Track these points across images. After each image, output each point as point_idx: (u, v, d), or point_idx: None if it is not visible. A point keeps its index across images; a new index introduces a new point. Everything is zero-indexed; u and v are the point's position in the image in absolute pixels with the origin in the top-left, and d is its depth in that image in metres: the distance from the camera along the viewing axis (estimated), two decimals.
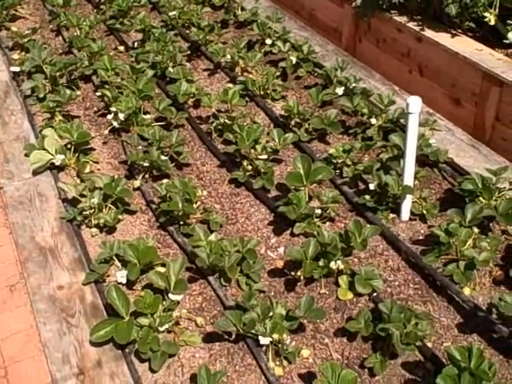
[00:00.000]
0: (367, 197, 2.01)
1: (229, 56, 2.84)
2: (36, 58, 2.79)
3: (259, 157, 2.18)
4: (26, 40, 3.08)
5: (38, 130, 2.46)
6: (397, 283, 1.77)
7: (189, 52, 2.98)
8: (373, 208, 1.99)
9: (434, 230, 1.81)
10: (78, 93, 2.72)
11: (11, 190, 2.18)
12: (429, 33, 2.94)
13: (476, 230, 1.81)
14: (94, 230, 2.01)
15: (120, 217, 2.04)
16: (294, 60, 2.78)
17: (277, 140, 2.27)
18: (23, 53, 3.02)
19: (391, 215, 1.98)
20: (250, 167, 2.17)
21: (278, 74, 2.74)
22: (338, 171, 2.18)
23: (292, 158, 2.26)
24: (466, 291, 1.72)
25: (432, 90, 2.81)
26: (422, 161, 2.15)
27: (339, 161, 2.17)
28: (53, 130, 2.35)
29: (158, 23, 3.27)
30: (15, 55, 3.01)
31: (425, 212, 1.97)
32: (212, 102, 2.49)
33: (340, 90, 2.53)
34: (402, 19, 3.11)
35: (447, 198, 2.06)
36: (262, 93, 2.64)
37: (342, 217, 2.01)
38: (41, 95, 2.65)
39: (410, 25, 3.03)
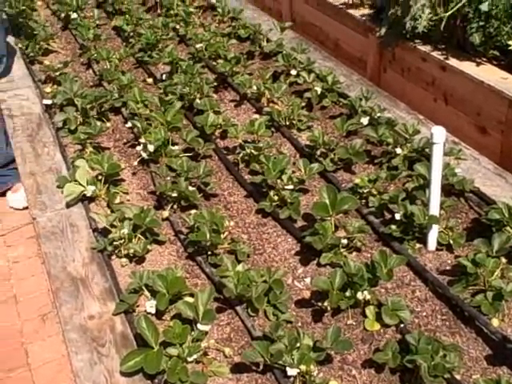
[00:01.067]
0: (393, 227, 2.02)
1: (255, 87, 2.89)
2: (68, 90, 2.87)
3: (285, 187, 2.21)
4: (57, 73, 3.17)
5: (69, 162, 2.53)
6: (424, 314, 1.77)
7: (215, 83, 3.04)
8: (399, 238, 2.00)
9: (460, 260, 1.82)
10: (108, 125, 2.79)
11: (44, 221, 2.23)
12: (453, 62, 2.96)
13: (503, 260, 1.81)
14: (124, 260, 2.05)
15: (149, 247, 2.08)
16: (319, 90, 2.82)
17: (303, 170, 2.30)
18: (55, 86, 3.11)
19: (418, 245, 1.99)
20: (276, 197, 2.20)
21: (303, 104, 2.78)
22: (363, 201, 2.19)
23: (318, 188, 2.27)
24: (495, 322, 1.71)
25: (457, 118, 2.83)
26: (448, 190, 2.16)
27: (365, 190, 2.19)
28: (84, 161, 2.41)
29: (186, 55, 3.34)
30: (47, 88, 3.09)
31: (451, 242, 1.97)
32: (239, 133, 2.53)
33: (365, 120, 2.56)
34: (426, 48, 3.14)
35: (474, 228, 2.06)
36: (287, 123, 2.68)
37: (369, 247, 2.02)
38: (72, 127, 2.72)
39: (434, 54, 3.06)
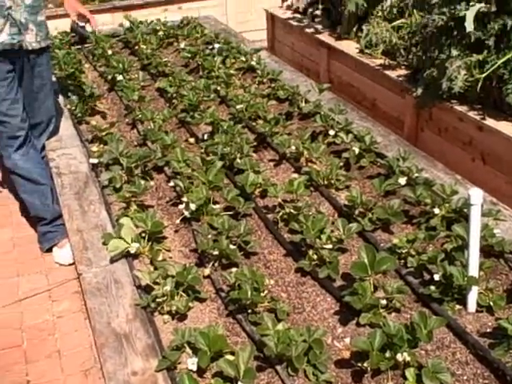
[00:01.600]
0: (432, 287, 2.03)
1: (293, 147, 2.97)
2: (113, 150, 2.99)
3: (324, 246, 2.24)
4: (104, 133, 3.30)
5: (114, 219, 2.61)
6: (465, 377, 1.76)
7: (255, 143, 3.12)
8: (438, 299, 2.00)
9: (501, 322, 1.82)
10: (152, 183, 2.88)
11: (89, 277, 2.30)
12: (490, 121, 3.01)
13: None
14: (166, 316, 2.10)
15: (191, 304, 2.12)
16: (357, 150, 2.88)
17: (341, 230, 2.34)
18: (101, 145, 3.23)
19: (457, 306, 1.99)
20: (315, 256, 2.24)
21: (341, 164, 2.84)
22: (402, 261, 2.21)
23: (356, 248, 2.32)
24: None
25: (495, 178, 2.85)
26: (487, 251, 2.17)
27: (403, 251, 2.21)
28: (129, 219, 2.49)
29: (226, 116, 3.45)
30: (94, 148, 3.21)
31: (491, 304, 1.97)
32: (278, 193, 2.59)
33: (403, 180, 2.60)
34: (463, 109, 3.20)
35: None
36: (326, 183, 2.74)
37: (408, 307, 2.03)
38: (117, 186, 2.82)
39: (471, 114, 3.11)
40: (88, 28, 4.88)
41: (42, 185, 3.16)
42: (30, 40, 2.98)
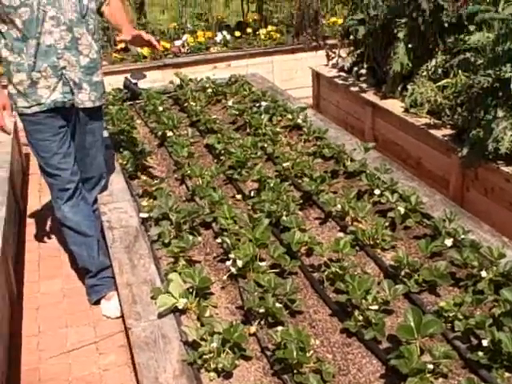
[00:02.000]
0: (480, 353, 2.01)
1: (339, 206, 3.00)
2: (163, 205, 3.08)
3: (370, 307, 2.25)
4: (154, 188, 3.40)
5: (163, 274, 2.68)
6: None
7: (301, 201, 3.17)
8: (487, 365, 1.98)
9: None
10: (200, 239, 2.94)
11: (138, 331, 2.35)
12: None
13: None
14: (212, 374, 2.12)
15: (237, 362, 2.15)
16: (403, 210, 2.89)
17: (387, 291, 2.34)
18: (151, 200, 3.33)
19: (507, 374, 1.96)
20: (361, 317, 2.25)
21: (386, 224, 2.86)
22: (449, 325, 2.20)
23: (402, 310, 2.32)
24: None
25: None
26: None
27: (450, 314, 2.20)
28: (177, 274, 2.55)
29: (273, 173, 3.52)
30: (144, 202, 3.31)
31: None
32: (324, 251, 2.62)
33: (449, 242, 2.60)
34: (510, 169, 3.20)
35: None
36: (371, 242, 2.76)
37: (455, 373, 2.01)
38: (166, 240, 2.89)
39: None
40: (140, 85, 5.11)
41: (90, 237, 3.24)
42: (83, 99, 3.06)
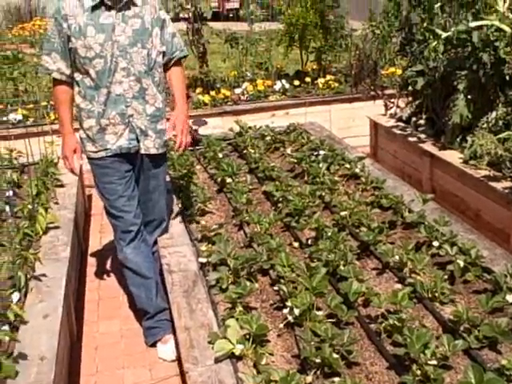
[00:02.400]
0: None
1: (397, 257, 3.00)
2: (222, 251, 3.14)
3: (429, 362, 2.22)
4: (212, 234, 3.47)
5: (220, 319, 2.72)
6: None
7: (359, 251, 3.18)
8: None
9: None
10: (257, 286, 2.98)
11: (195, 375, 2.39)
12: None
13: None
14: None
15: None
16: (462, 264, 2.87)
17: (446, 346, 2.31)
18: (210, 245, 3.39)
19: None
20: (419, 372, 2.22)
21: (445, 277, 2.83)
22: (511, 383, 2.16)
23: (462, 366, 2.28)
24: None
25: None
26: None
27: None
28: (234, 320, 2.59)
29: (330, 222, 3.55)
30: (203, 247, 3.38)
31: None
32: (381, 303, 2.62)
33: (510, 298, 2.56)
34: None
35: None
36: (430, 295, 2.73)
37: None
38: (224, 286, 2.94)
39: None
40: (201, 131, 5.25)
41: (149, 279, 3.31)
42: (148, 146, 3.19)
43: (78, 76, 3.06)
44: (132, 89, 3.06)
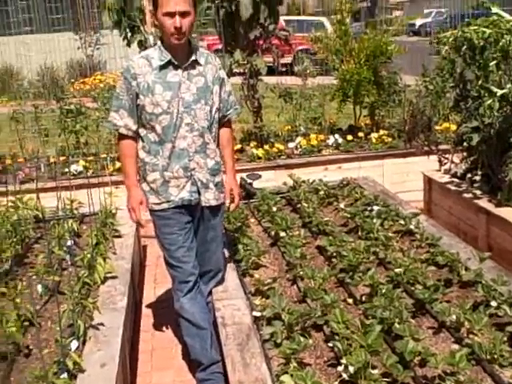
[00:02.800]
0: None
1: (454, 316, 2.95)
2: (275, 305, 3.16)
3: None
4: (266, 287, 3.49)
5: (274, 374, 2.72)
6: None
7: (414, 309, 3.15)
8: None
9: None
10: (311, 341, 2.97)
11: None
12: None
13: None
14: None
15: None
16: None
17: None
18: (263, 299, 3.41)
19: None
20: None
21: (504, 338, 2.77)
22: None
23: None
24: None
25: None
26: None
27: None
28: (289, 376, 2.59)
29: (384, 278, 3.53)
30: (257, 301, 3.40)
31: None
32: (438, 363, 2.57)
33: None
34: None
35: None
36: (488, 357, 2.67)
37: None
38: (278, 341, 2.94)
39: None
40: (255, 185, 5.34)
41: (204, 329, 3.35)
42: (209, 197, 3.33)
43: (142, 132, 3.22)
44: (195, 143, 3.21)
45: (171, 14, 3.04)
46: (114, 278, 3.90)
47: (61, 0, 11.71)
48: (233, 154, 3.56)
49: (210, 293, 3.59)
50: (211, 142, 3.29)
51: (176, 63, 3.15)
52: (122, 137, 3.28)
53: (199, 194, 3.29)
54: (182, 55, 3.18)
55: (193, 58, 3.19)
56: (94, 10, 9.88)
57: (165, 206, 3.26)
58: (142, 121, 3.21)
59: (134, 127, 3.23)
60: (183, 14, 3.05)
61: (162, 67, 3.15)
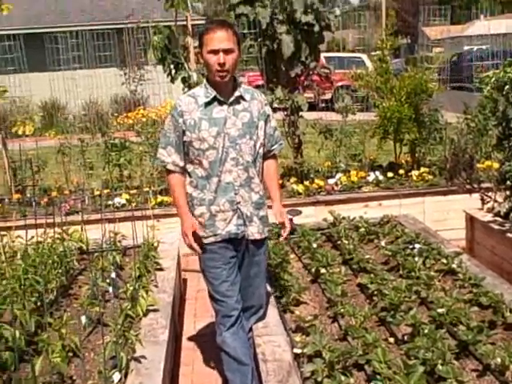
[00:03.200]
0: None
1: (499, 359, 2.91)
2: (316, 342, 3.15)
3: None
4: (307, 324, 3.49)
5: None
6: None
7: (457, 350, 3.10)
8: None
9: None
10: (352, 380, 2.95)
11: None
12: None
13: None
14: None
15: None
16: None
17: None
18: (304, 336, 3.41)
19: None
20: None
21: None
22: None
23: None
24: None
25: None
26: None
27: None
28: None
29: (426, 318, 3.49)
30: (297, 337, 3.40)
31: None
32: None
33: None
34: None
35: None
36: None
37: None
38: (319, 379, 2.93)
39: None
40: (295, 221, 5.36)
41: (245, 365, 3.35)
42: (253, 231, 3.37)
43: (190, 167, 3.31)
44: (240, 177, 3.28)
45: (215, 52, 3.14)
46: (155, 310, 3.95)
47: (108, 38, 12.09)
48: (278, 185, 3.60)
49: (251, 329, 3.60)
50: (256, 176, 3.35)
51: (221, 99, 3.24)
52: (170, 172, 3.37)
53: (245, 226, 3.34)
54: (226, 91, 3.26)
55: (237, 93, 3.27)
56: (139, 47, 10.18)
57: (212, 239, 3.32)
58: (189, 157, 3.30)
59: (181, 163, 3.32)
60: (227, 52, 3.15)
61: (208, 104, 3.24)
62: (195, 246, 3.33)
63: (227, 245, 3.34)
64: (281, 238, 3.61)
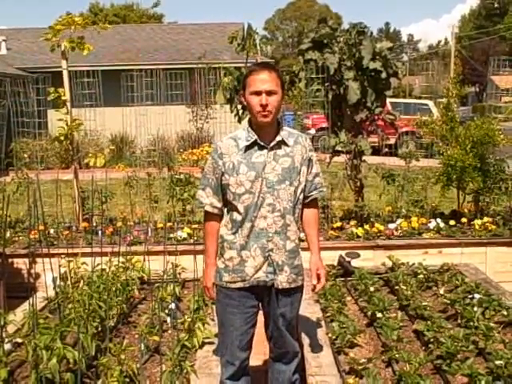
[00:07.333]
0: None
1: None
2: None
3: None
4: (361, 367, 3.49)
5: None
6: None
7: None
8: None
9: None
10: None
11: None
12: None
13: None
14: None
15: None
16: None
17: None
18: (357, 379, 3.41)
19: None
20: None
21: None
22: None
23: None
24: None
25: None
26: None
27: None
28: None
29: (483, 369, 3.43)
30: (350, 379, 3.40)
31: None
32: None
33: None
34: None
35: None
36: None
37: None
38: None
39: None
40: (353, 263, 5.38)
41: None
42: (282, 280, 3.18)
43: (226, 210, 3.24)
44: (275, 224, 3.14)
45: (258, 93, 3.11)
46: (211, 343, 4.02)
47: (180, 77, 12.51)
48: (318, 234, 3.44)
49: (295, 372, 3.46)
50: (292, 223, 3.21)
51: (262, 144, 3.17)
52: (207, 214, 3.29)
53: (275, 275, 3.18)
54: (268, 135, 3.18)
55: (279, 138, 3.18)
56: (210, 88, 10.46)
57: (240, 284, 3.18)
58: (226, 199, 3.23)
59: (219, 205, 3.25)
60: (270, 93, 3.10)
61: (248, 147, 3.16)
62: (214, 296, 3.27)
63: (249, 293, 3.20)
64: (314, 291, 3.37)
